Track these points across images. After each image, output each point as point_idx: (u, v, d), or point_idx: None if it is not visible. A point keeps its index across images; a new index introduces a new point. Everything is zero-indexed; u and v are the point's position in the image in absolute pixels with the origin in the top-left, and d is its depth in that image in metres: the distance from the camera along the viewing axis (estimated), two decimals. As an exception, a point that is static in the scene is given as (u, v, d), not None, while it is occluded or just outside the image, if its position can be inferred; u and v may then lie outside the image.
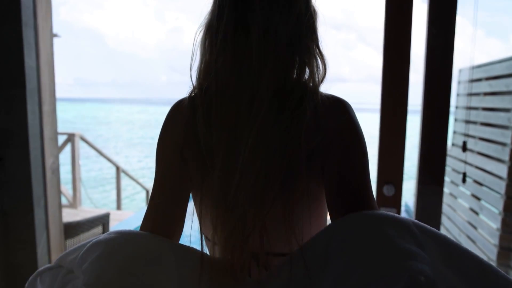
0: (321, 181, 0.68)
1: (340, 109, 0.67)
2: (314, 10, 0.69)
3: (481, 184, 3.08)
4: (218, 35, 0.65)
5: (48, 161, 2.03)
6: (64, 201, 5.35)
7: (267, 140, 0.62)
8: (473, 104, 3.18)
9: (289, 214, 0.64)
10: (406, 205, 4.63)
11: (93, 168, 14.42)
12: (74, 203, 5.26)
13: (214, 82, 0.65)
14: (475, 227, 3.25)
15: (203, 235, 0.70)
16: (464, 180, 1.62)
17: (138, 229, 0.69)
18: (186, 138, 0.68)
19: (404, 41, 1.45)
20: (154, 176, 0.73)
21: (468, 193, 3.35)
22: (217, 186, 0.64)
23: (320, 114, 0.65)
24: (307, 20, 0.66)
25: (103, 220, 2.67)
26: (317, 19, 0.69)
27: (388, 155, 1.48)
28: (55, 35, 5.55)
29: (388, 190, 1.48)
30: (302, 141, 0.63)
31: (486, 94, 2.95)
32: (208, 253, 0.73)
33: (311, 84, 0.67)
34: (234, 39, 0.64)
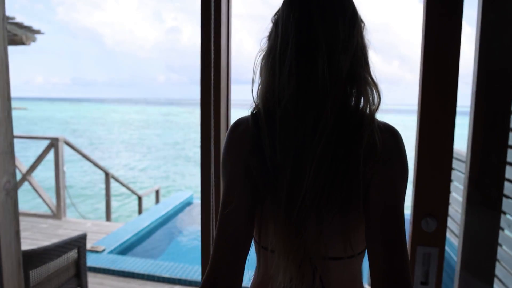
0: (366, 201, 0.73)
1: (392, 139, 0.73)
2: (366, 43, 0.74)
3: (507, 197, 2.77)
4: (282, 61, 0.70)
5: (1, 181, 1.68)
6: (47, 211, 4.98)
7: (330, 163, 0.68)
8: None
9: (347, 229, 0.73)
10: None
11: (85, 173, 13.96)
12: (58, 214, 4.89)
13: (279, 106, 0.70)
14: (499, 244, 2.93)
15: (261, 246, 0.79)
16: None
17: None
18: (252, 153, 0.73)
19: (454, 32, 1.10)
20: (221, 189, 0.78)
21: (491, 205, 3.03)
22: (284, 205, 0.70)
23: (375, 141, 0.70)
24: (362, 52, 0.72)
25: (78, 243, 2.29)
26: (369, 51, 0.74)
27: (429, 181, 1.12)
28: (38, 32, 5.17)
29: (428, 225, 1.13)
30: (360, 165, 0.68)
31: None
32: (262, 262, 0.82)
33: (367, 112, 0.71)
34: (299, 67, 0.69)
